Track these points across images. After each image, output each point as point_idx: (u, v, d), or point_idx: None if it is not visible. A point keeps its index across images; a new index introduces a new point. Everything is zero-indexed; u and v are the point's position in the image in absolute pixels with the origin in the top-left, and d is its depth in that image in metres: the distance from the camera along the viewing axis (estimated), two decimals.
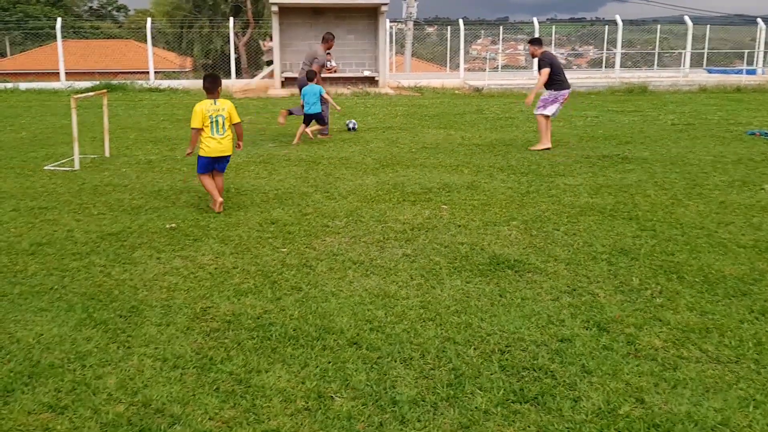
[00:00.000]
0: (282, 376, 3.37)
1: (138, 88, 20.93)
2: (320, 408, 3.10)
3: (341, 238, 5.68)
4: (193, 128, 6.38)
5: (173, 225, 6.03)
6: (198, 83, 21.78)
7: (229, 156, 6.58)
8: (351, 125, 12.44)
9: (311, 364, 3.49)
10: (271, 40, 23.43)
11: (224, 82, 22.90)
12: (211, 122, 6.34)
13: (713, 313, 4.10)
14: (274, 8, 21.28)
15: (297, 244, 5.51)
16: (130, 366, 3.47)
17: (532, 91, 10.25)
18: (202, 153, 6.43)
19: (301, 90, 11.14)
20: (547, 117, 10.15)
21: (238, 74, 24.38)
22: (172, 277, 4.73)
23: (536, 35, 26.49)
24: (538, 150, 10.03)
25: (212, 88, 6.40)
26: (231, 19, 23.50)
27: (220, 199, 6.46)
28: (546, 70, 9.97)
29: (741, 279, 4.66)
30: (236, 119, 6.50)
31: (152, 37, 22.45)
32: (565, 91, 10.15)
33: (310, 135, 11.19)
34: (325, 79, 21.61)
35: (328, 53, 21.94)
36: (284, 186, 7.65)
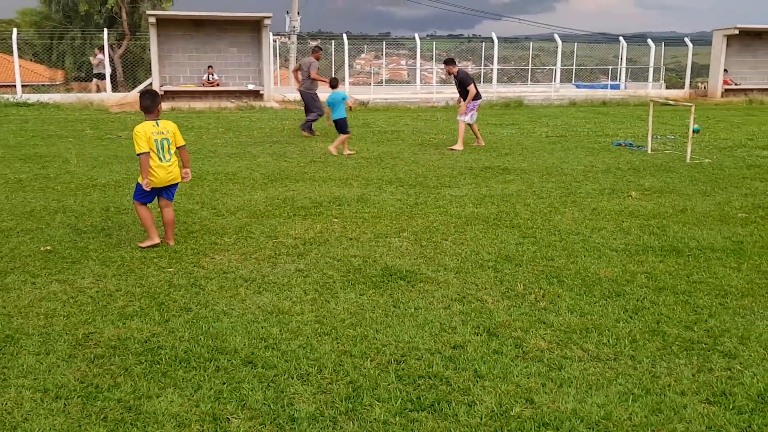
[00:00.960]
0: (174, 401, 3.26)
1: (3, 102, 19.65)
2: (216, 431, 3.02)
3: (231, 255, 5.57)
4: (140, 154, 5.53)
5: (49, 247, 5.70)
6: (70, 97, 20.77)
7: (177, 184, 5.83)
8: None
9: (205, 387, 3.40)
10: (101, 51, 22.57)
11: (99, 96, 21.76)
12: (157, 147, 5.54)
13: (592, 314, 4.35)
14: (152, 20, 20.65)
15: (184, 263, 5.35)
16: (7, 399, 3.25)
17: (463, 105, 11.99)
18: (140, 180, 5.62)
19: (303, 96, 13.28)
20: (468, 123, 12.01)
21: (115, 88, 23.42)
22: (50, 303, 4.47)
23: (418, 51, 27.14)
24: (455, 150, 11.51)
25: (152, 106, 5.60)
26: (105, 30, 22.56)
27: (157, 240, 5.66)
28: (472, 86, 11.87)
29: (615, 280, 4.96)
30: (181, 142, 5.76)
31: (18, 49, 21.17)
32: (480, 101, 12.25)
33: (334, 151, 11.14)
34: (207, 92, 21.25)
35: (210, 67, 21.58)
36: None
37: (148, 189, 5.60)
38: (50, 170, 9.42)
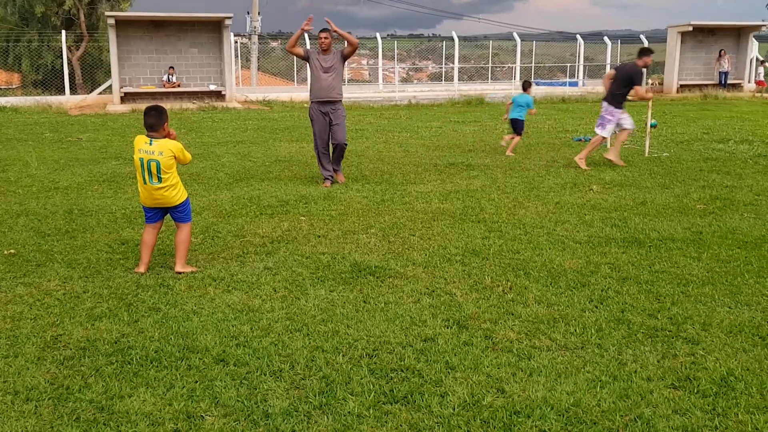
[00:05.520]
0: (147, 400, 3.24)
1: None
2: (191, 428, 3.02)
3: (198, 255, 5.54)
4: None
5: (12, 251, 5.60)
6: (28, 100, 20.34)
7: (177, 206, 5.08)
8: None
9: (177, 385, 3.38)
10: None
11: (57, 98, 21.42)
12: (141, 167, 4.90)
13: (558, 305, 4.44)
14: (111, 21, 20.32)
15: (151, 264, 5.30)
16: None
17: (617, 112, 9.59)
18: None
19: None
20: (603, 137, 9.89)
21: (73, 90, 22.99)
22: (16, 306, 4.40)
23: (380, 50, 27.20)
24: (581, 166, 9.53)
25: (156, 125, 4.91)
26: (63, 32, 22.14)
27: (140, 269, 5.04)
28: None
29: (579, 272, 5.07)
30: (185, 160, 5.11)
31: None
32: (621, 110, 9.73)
33: (504, 144, 11.30)
34: (168, 93, 21.00)
35: (171, 68, 21.28)
36: (132, 205, 7.33)
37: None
38: (10, 173, 9.24)
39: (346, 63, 8.65)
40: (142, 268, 5.08)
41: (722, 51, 25.73)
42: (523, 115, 11.16)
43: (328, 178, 8.48)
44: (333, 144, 8.51)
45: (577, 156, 9.80)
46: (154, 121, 4.92)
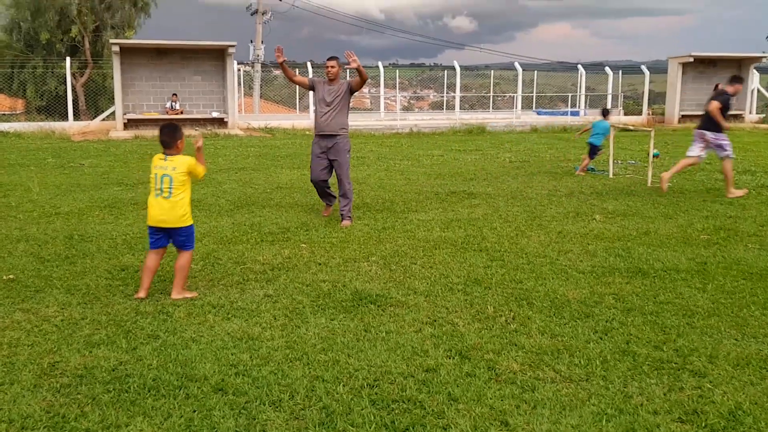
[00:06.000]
0: (144, 429, 3.18)
1: None
2: None
3: (198, 281, 5.49)
4: None
5: (11, 276, 5.56)
6: (31, 126, 20.42)
7: (181, 229, 5.09)
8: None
9: (175, 415, 3.32)
10: None
11: (60, 124, 21.50)
12: (156, 180, 5.05)
13: (562, 335, 4.38)
14: (115, 48, 20.50)
15: (151, 290, 5.25)
16: None
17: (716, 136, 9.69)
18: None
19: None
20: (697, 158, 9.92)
21: (77, 116, 23.11)
22: (13, 332, 4.34)
23: (381, 79, 27.39)
24: (735, 195, 9.52)
25: (170, 142, 5.06)
26: (68, 59, 22.32)
27: (140, 294, 5.05)
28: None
29: (583, 302, 5.02)
30: (198, 176, 5.18)
31: None
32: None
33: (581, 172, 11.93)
34: (171, 120, 21.07)
35: (174, 95, 21.45)
36: (133, 231, 7.30)
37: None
38: (11, 198, 9.22)
39: (353, 95, 8.04)
40: (142, 293, 5.06)
41: (717, 85, 25.95)
42: (600, 141, 12.10)
43: (327, 205, 8.32)
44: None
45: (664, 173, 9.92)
46: (168, 139, 5.09)
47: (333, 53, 8.06)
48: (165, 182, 5.01)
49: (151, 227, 5.14)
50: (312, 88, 8.04)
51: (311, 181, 8.20)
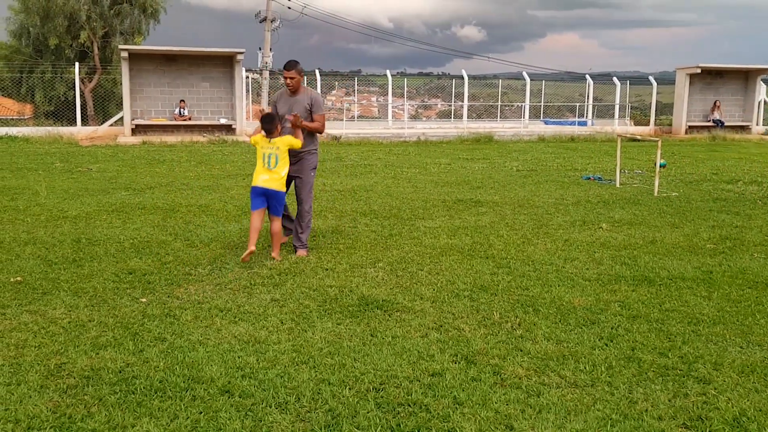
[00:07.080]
0: (150, 430, 3.20)
1: None
2: None
3: (206, 285, 5.52)
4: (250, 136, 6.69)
5: (19, 278, 5.60)
6: (39, 130, 20.55)
7: (280, 194, 6.38)
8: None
9: (181, 416, 3.34)
10: None
11: (69, 129, 21.58)
12: (264, 158, 6.36)
13: (568, 342, 4.38)
14: (124, 54, 20.64)
15: (158, 293, 5.29)
16: None
17: None
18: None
19: None
20: None
21: (85, 121, 23.25)
22: (21, 333, 4.37)
23: (389, 87, 27.49)
24: None
25: (272, 128, 6.35)
26: (77, 64, 22.48)
27: (251, 249, 6.17)
28: None
29: (589, 309, 5.02)
30: (297, 146, 6.43)
31: None
32: None
33: None
34: (179, 126, 21.20)
35: (182, 101, 21.55)
36: (141, 235, 7.34)
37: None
38: (20, 202, 9.29)
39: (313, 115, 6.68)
40: (251, 248, 6.14)
41: (716, 102, 26.17)
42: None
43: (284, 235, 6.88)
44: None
45: None
46: (270, 127, 6.35)
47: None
48: (272, 159, 6.30)
49: (254, 188, 6.35)
50: (275, 104, 6.83)
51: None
